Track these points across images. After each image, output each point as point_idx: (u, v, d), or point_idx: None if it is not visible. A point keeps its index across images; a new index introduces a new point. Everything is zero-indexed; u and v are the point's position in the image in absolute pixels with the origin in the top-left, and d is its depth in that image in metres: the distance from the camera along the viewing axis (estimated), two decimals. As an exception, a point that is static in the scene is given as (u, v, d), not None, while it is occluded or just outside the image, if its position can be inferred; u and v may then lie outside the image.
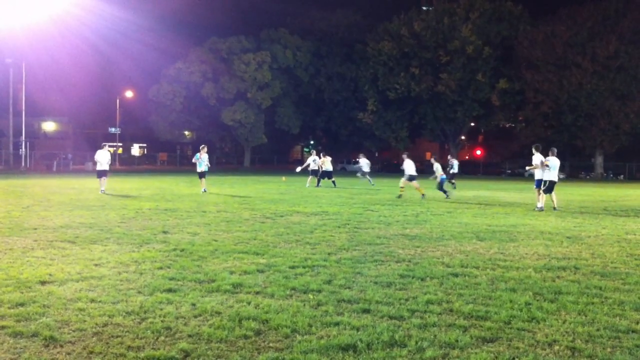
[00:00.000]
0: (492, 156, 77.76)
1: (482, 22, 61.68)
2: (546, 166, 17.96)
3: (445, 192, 23.29)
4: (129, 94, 76.25)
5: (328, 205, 18.36)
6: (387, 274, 7.78)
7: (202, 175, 24.45)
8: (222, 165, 77.12)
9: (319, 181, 30.41)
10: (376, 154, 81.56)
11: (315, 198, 21.70)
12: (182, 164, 73.83)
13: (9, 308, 5.90)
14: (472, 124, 71.08)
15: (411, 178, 22.95)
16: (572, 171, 61.47)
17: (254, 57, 69.02)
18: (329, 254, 9.28)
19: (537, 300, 6.56)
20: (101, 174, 23.35)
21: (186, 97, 70.26)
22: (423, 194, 22.57)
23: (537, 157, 18.41)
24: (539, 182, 18.26)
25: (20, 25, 49.67)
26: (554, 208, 17.96)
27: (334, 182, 30.61)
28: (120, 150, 77.71)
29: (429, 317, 5.86)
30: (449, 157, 34.13)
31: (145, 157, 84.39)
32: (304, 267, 8.14)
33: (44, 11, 48.53)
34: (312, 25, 76.42)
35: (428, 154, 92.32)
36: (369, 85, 67.78)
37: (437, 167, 23.68)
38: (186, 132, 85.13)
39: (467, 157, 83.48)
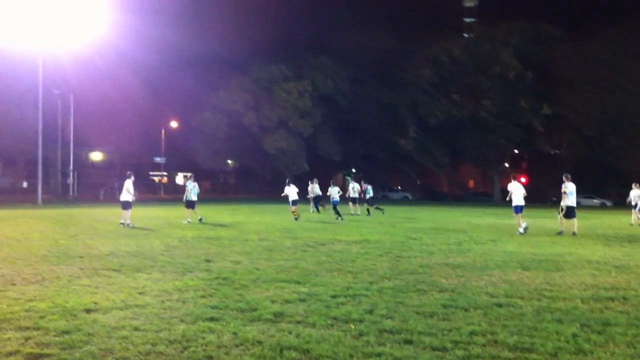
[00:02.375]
0: (536, 182, 76.48)
1: (522, 45, 61.09)
2: (564, 193, 18.77)
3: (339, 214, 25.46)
4: (173, 123, 77.55)
5: (370, 234, 18.29)
6: (430, 304, 7.69)
7: (193, 204, 23.63)
8: (264, 193, 77.58)
9: (317, 207, 30.78)
10: (418, 182, 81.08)
11: (357, 226, 21.65)
12: (224, 192, 74.47)
13: (54, 336, 6.01)
14: (516, 151, 70.15)
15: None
16: (619, 197, 60.08)
17: (295, 85, 69.67)
18: (370, 282, 9.22)
19: (585, 332, 6.40)
20: (127, 205, 20.99)
21: (228, 126, 71.12)
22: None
23: (569, 185, 18.95)
24: (516, 208, 19.33)
25: (67, 57, 51.06)
26: (574, 233, 18.42)
27: (319, 206, 30.82)
28: (164, 180, 78.86)
29: (472, 348, 5.76)
30: (361, 182, 32.70)
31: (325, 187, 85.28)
32: (345, 297, 8.10)
33: (91, 43, 49.84)
34: (351, 51, 76.81)
35: (471, 182, 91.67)
36: (408, 111, 67.63)
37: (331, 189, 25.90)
38: (229, 161, 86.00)
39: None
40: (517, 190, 19.48)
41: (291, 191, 26.24)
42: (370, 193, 31.47)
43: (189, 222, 22.44)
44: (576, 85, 57.09)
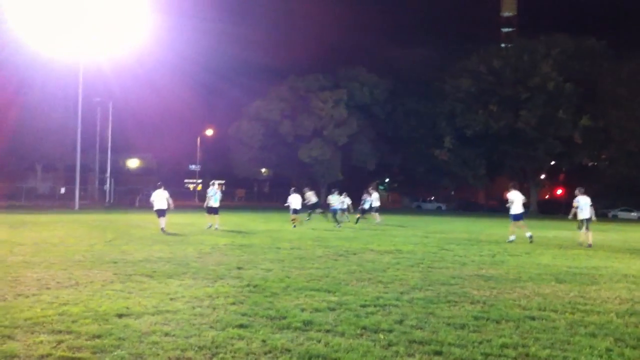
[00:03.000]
0: (574, 196, 75.10)
1: (564, 58, 60.37)
2: (575, 207, 19.74)
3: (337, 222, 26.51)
4: (209, 131, 78.30)
5: (402, 244, 18.18)
6: (461, 315, 7.60)
7: (216, 211, 24.00)
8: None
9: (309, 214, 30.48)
10: (452, 192, 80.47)
11: (389, 236, 21.54)
12: (259, 200, 74.85)
13: (86, 340, 6.09)
14: (553, 162, 69.10)
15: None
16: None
17: (331, 94, 69.84)
18: (401, 293, 9.16)
19: (619, 347, 6.26)
20: (160, 213, 21.66)
21: (264, 135, 71.58)
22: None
23: (581, 199, 19.96)
24: (515, 217, 20.01)
25: (107, 64, 52.07)
26: (589, 245, 18.80)
27: (311, 214, 30.49)
28: (199, 187, 79.59)
29: (503, 361, 5.67)
30: (369, 189, 32.43)
31: (224, 194, 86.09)
32: (375, 306, 8.05)
33: (130, 51, 50.74)
34: (388, 62, 76.94)
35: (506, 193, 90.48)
36: (446, 122, 67.24)
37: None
38: (263, 169, 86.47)
39: (547, 197, 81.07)
40: (516, 199, 20.19)
41: (295, 200, 26.69)
42: (366, 205, 31.12)
43: (209, 227, 23.18)
44: (620, 100, 56.11)
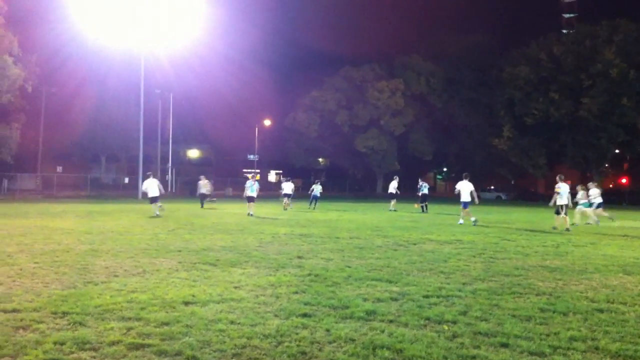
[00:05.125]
0: (638, 184, 72.81)
1: (627, 44, 58.38)
2: (557, 193, 20.98)
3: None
4: (266, 122, 78.95)
5: (462, 234, 17.98)
6: (526, 307, 7.47)
7: (252, 199, 27.10)
8: (354, 191, 77.73)
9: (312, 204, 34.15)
10: (512, 182, 79.03)
11: (449, 226, 21.34)
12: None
13: (154, 327, 6.22)
14: (617, 151, 67.08)
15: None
16: None
17: (387, 84, 69.49)
18: (463, 284, 9.06)
19: (694, 342, 6.04)
20: (153, 200, 25.12)
21: (320, 125, 71.79)
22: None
23: (562, 186, 21.22)
24: (465, 204, 22.55)
25: (168, 57, 53.05)
26: (567, 229, 20.08)
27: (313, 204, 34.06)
28: (257, 177, 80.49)
29: (572, 354, 5.56)
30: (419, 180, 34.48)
31: (280, 184, 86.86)
32: (438, 297, 7.99)
33: (190, 44, 51.53)
34: (444, 50, 75.81)
35: (568, 182, 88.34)
36: (504, 110, 66.05)
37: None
38: (320, 159, 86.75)
39: (611, 186, 78.82)
40: (465, 189, 22.60)
41: (287, 186, 33.34)
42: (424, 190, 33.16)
43: (249, 214, 25.47)
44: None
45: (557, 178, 21.86)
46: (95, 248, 12.57)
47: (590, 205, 25.22)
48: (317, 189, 34.54)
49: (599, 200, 25.64)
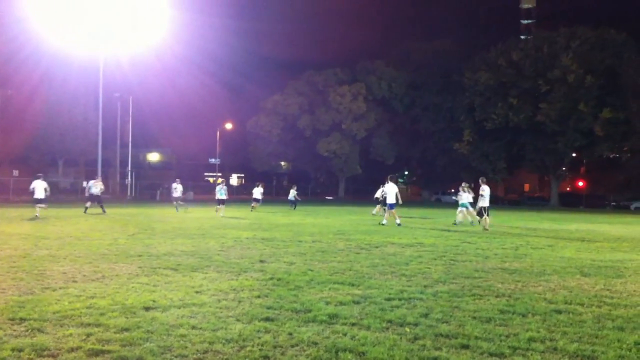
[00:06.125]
0: (595, 188, 74.47)
1: (584, 50, 59.66)
2: (481, 195, 22.01)
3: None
4: (228, 125, 78.56)
5: (423, 237, 18.14)
6: (487, 309, 7.57)
7: (222, 202, 29.88)
8: (317, 195, 77.81)
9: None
10: (472, 185, 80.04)
11: (410, 229, 21.50)
12: (278, 194, 74.98)
13: (114, 333, 6.14)
14: (574, 155, 68.53)
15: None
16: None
17: (349, 89, 69.79)
18: (425, 286, 9.14)
19: (648, 341, 6.19)
20: (37, 201, 25.63)
21: (283, 129, 71.76)
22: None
23: (486, 188, 22.59)
24: (390, 205, 23.51)
25: (127, 60, 52.38)
26: (485, 229, 21.34)
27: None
28: (219, 180, 79.99)
29: (531, 355, 5.65)
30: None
31: (243, 187, 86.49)
32: (400, 300, 8.04)
33: (150, 46, 50.97)
34: (407, 56, 76.52)
35: (527, 186, 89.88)
36: (465, 115, 66.93)
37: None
38: (282, 163, 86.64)
39: (568, 189, 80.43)
40: (391, 191, 23.55)
41: (257, 191, 36.45)
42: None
43: (221, 216, 27.90)
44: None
45: (480, 181, 22.98)
46: (53, 253, 12.34)
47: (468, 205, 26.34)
48: (292, 193, 40.32)
49: (468, 201, 26.35)
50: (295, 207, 39.10)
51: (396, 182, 24.26)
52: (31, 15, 43.38)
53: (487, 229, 21.34)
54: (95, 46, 45.63)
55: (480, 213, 22.30)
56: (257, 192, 36.64)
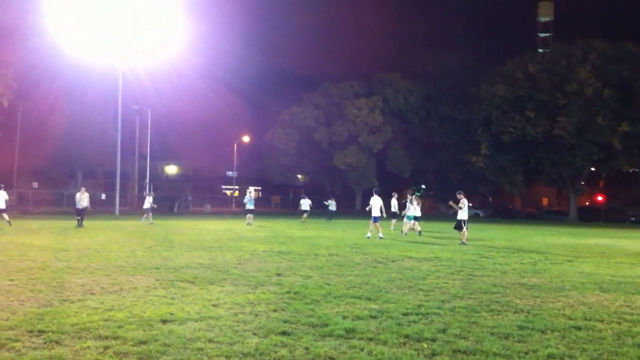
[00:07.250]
0: (614, 202, 73.66)
1: (601, 63, 59.22)
2: (460, 208, 22.21)
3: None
4: (245, 138, 78.81)
5: (441, 251, 18.06)
6: (505, 325, 7.51)
7: (251, 211, 32.89)
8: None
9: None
10: (490, 199, 79.60)
11: (427, 244, 21.41)
12: (294, 207, 74.93)
13: (132, 345, 6.16)
14: (592, 169, 67.93)
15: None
16: None
17: (365, 101, 69.81)
18: (442, 301, 9.09)
19: (670, 359, 6.11)
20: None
21: (299, 141, 71.85)
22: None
23: (466, 201, 22.57)
24: (375, 219, 23.90)
25: (146, 73, 52.77)
26: (463, 242, 21.42)
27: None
28: (236, 193, 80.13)
29: (550, 372, 5.59)
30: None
31: (260, 200, 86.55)
32: (417, 314, 8.01)
33: (168, 59, 51.34)
34: (423, 68, 76.39)
35: (545, 200, 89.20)
36: (481, 128, 66.58)
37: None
38: (299, 176, 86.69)
39: (587, 203, 79.65)
40: (376, 204, 24.17)
41: (305, 203, 38.81)
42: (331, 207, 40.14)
43: (249, 224, 31.33)
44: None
45: (458, 194, 23.05)
46: (72, 265, 12.43)
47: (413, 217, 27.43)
48: (332, 204, 40.61)
49: (414, 214, 27.64)
50: (331, 218, 39.66)
51: (380, 195, 24.77)
52: (50, 27, 43.84)
53: (465, 243, 21.39)
54: (115, 58, 46.04)
55: (459, 226, 22.24)
56: (305, 203, 38.92)
